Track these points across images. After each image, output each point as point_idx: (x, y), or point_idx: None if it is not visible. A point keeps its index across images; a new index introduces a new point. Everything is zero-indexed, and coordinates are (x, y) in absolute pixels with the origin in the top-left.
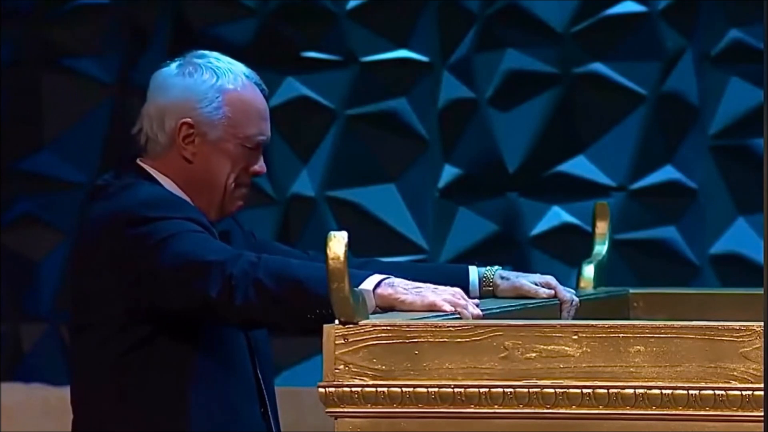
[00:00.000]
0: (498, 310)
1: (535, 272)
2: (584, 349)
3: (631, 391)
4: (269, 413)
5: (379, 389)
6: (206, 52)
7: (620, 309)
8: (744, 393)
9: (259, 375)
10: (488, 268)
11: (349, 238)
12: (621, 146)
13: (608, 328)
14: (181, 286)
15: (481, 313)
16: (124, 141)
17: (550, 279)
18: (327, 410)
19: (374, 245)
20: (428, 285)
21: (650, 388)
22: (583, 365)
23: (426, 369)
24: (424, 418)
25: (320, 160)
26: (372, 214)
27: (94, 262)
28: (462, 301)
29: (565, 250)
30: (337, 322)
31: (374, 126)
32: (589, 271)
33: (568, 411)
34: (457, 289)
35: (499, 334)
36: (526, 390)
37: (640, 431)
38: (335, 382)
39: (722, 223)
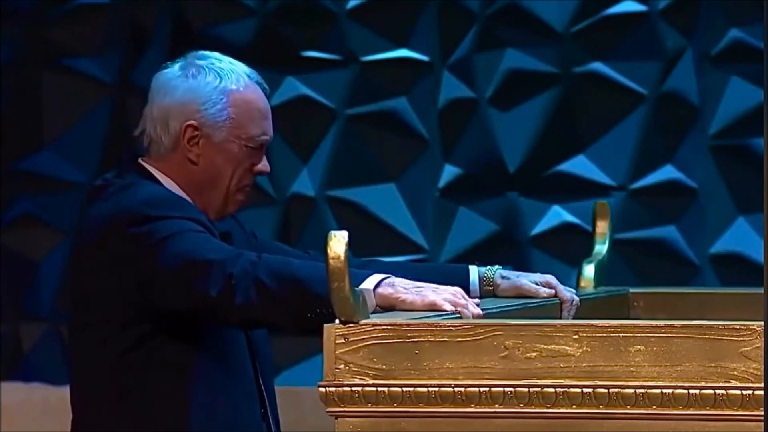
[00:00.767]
0: (498, 310)
1: (535, 272)
2: (584, 348)
3: (632, 390)
4: (269, 413)
5: (379, 389)
6: (207, 52)
7: (620, 308)
8: (744, 392)
9: (259, 375)
10: (488, 267)
11: (349, 237)
12: (621, 146)
13: (608, 327)
14: (181, 285)
15: (481, 312)
16: (124, 141)
17: (551, 278)
18: (327, 410)
19: (374, 245)
20: (428, 284)
21: (650, 387)
22: (584, 365)
23: (426, 368)
24: (424, 417)
25: (320, 159)
26: (372, 214)
27: (95, 262)
28: (462, 301)
29: (565, 250)
30: (337, 321)
31: (374, 126)
32: (589, 270)
33: (568, 410)
34: (458, 289)
35: (500, 334)
36: (526, 389)
37: (640, 431)
38: (335, 382)
39: (722, 223)
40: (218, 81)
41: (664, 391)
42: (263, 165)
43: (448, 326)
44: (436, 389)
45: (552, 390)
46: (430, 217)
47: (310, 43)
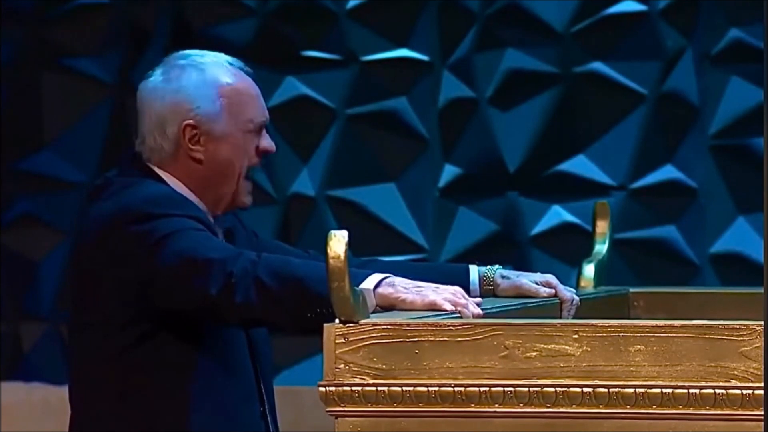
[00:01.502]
0: (498, 310)
1: (535, 271)
2: (584, 348)
3: (632, 390)
4: (267, 413)
5: (379, 388)
6: (186, 51)
7: (620, 308)
8: (744, 392)
9: (259, 374)
10: (489, 267)
11: (349, 237)
12: (621, 146)
13: (608, 327)
14: (181, 284)
15: (481, 312)
16: (124, 141)
17: (551, 278)
18: (327, 409)
19: (374, 245)
20: (428, 284)
21: (650, 387)
22: (584, 364)
23: (426, 368)
24: (424, 417)
25: (320, 159)
26: (372, 214)
27: (95, 260)
28: (462, 300)
29: (565, 250)
30: (337, 321)
31: (374, 126)
32: (589, 270)
33: (568, 410)
34: (458, 288)
35: (500, 334)
36: (526, 389)
37: (640, 430)
38: (335, 382)
39: (722, 223)
40: (203, 75)
41: (664, 390)
42: (268, 144)
43: (448, 326)
44: (436, 389)
45: (552, 390)
46: (430, 217)
47: (310, 43)
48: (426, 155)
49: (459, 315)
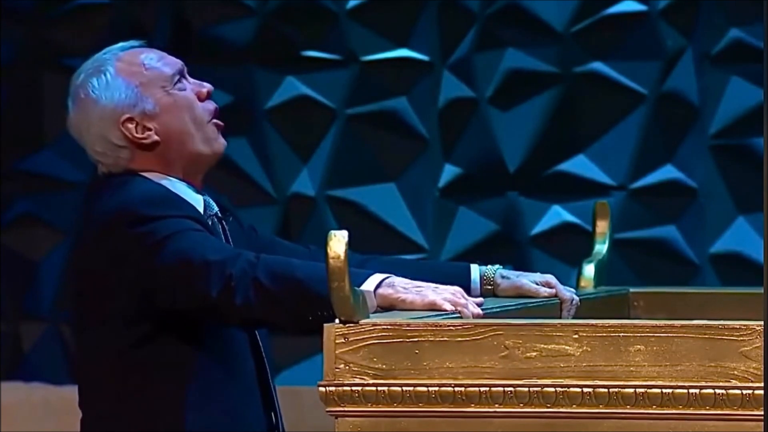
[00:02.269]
0: (498, 310)
1: (535, 271)
2: (584, 348)
3: (632, 390)
4: (271, 411)
5: (379, 388)
6: (78, 69)
7: (620, 308)
8: (744, 392)
9: (261, 374)
10: (489, 267)
11: (349, 237)
12: (621, 146)
13: (608, 327)
14: (181, 286)
15: (481, 312)
16: None
17: (551, 278)
18: (327, 409)
19: (374, 245)
20: (428, 284)
21: (650, 387)
22: (584, 364)
23: (426, 368)
24: (424, 417)
25: (320, 159)
26: (372, 214)
27: (94, 262)
28: (462, 300)
29: (565, 250)
30: (337, 321)
31: (374, 126)
32: (589, 270)
33: (568, 410)
34: (458, 288)
35: (500, 334)
36: (526, 389)
37: (640, 430)
38: (335, 382)
39: (722, 223)
40: (103, 75)
41: (664, 390)
42: (203, 87)
43: (448, 326)
44: (436, 389)
45: (552, 390)
46: (430, 217)
47: (310, 43)
48: (426, 155)
49: (459, 315)
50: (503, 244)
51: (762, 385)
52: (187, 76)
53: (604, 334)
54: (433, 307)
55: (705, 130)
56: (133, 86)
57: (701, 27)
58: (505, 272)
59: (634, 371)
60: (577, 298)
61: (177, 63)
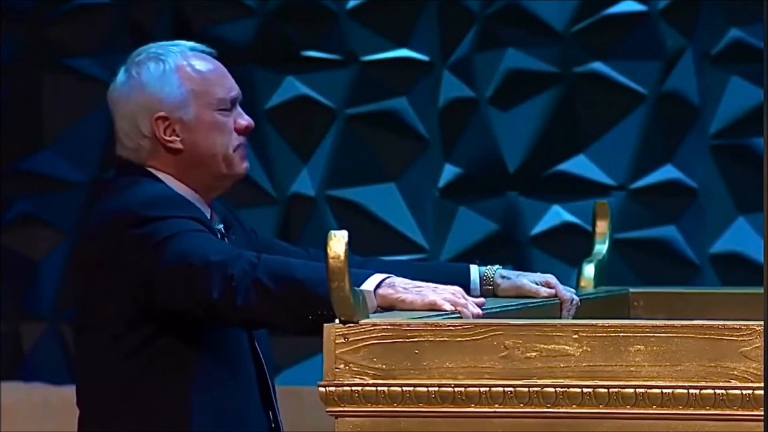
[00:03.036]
0: (498, 310)
1: (535, 271)
2: (584, 348)
3: (632, 390)
4: (270, 412)
5: (379, 388)
6: (144, 47)
7: (620, 308)
8: (744, 392)
9: (262, 375)
10: (489, 267)
11: (349, 237)
12: (621, 146)
13: (608, 327)
14: (181, 286)
15: (481, 312)
16: None
17: (551, 278)
18: (327, 409)
19: (374, 245)
20: (428, 284)
21: (650, 387)
22: (584, 364)
23: (426, 368)
24: (424, 417)
25: (320, 159)
26: (372, 214)
27: (96, 263)
28: (462, 300)
29: (565, 250)
30: (337, 321)
31: (374, 125)
32: (589, 270)
33: (568, 410)
34: (458, 288)
35: (500, 334)
36: (526, 389)
37: (640, 431)
38: (335, 382)
39: (722, 223)
40: (162, 65)
41: (664, 391)
42: (245, 121)
43: (448, 326)
44: (436, 389)
45: (552, 390)
46: (430, 216)
47: (310, 43)
48: (426, 155)
49: (459, 315)
50: (503, 244)
51: (762, 385)
52: (238, 105)
53: (604, 334)
54: (433, 307)
55: (705, 130)
56: (184, 90)
57: (701, 27)
58: (505, 272)
59: (634, 371)
60: (577, 298)
61: (234, 89)
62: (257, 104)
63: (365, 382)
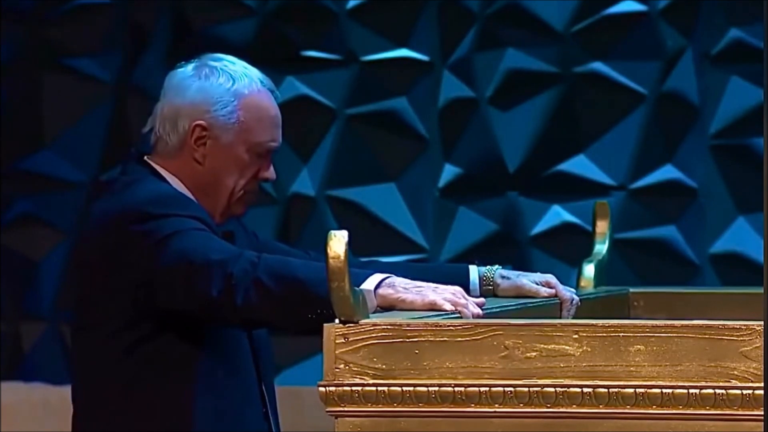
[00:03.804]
0: (498, 310)
1: (535, 271)
2: (584, 348)
3: (632, 390)
4: (269, 413)
5: (379, 388)
6: (222, 55)
7: (620, 308)
8: (744, 392)
9: (261, 375)
10: (489, 267)
11: (349, 237)
12: (621, 145)
13: (608, 327)
14: (181, 285)
15: (481, 312)
16: (124, 141)
17: (551, 278)
18: (327, 409)
19: (374, 245)
20: (428, 284)
21: (650, 387)
22: (584, 364)
23: (426, 368)
24: (424, 417)
25: (320, 159)
26: (372, 214)
27: (96, 260)
28: (462, 300)
29: (565, 250)
30: (337, 321)
31: (374, 125)
32: (589, 270)
33: (568, 410)
34: (458, 288)
35: (500, 334)
36: (526, 389)
37: (640, 430)
38: (335, 382)
39: (722, 223)
40: (231, 83)
41: (664, 391)
42: (269, 172)
43: (448, 326)
44: (436, 389)
45: (552, 390)
46: (430, 217)
47: (311, 43)
48: (426, 155)
49: (459, 315)
50: (503, 244)
51: (762, 385)
52: (271, 155)
53: (604, 334)
54: (433, 307)
55: (705, 130)
56: (237, 116)
57: (701, 27)
58: (505, 272)
59: (634, 371)
60: (577, 298)
61: (276, 141)
62: None
63: (365, 382)
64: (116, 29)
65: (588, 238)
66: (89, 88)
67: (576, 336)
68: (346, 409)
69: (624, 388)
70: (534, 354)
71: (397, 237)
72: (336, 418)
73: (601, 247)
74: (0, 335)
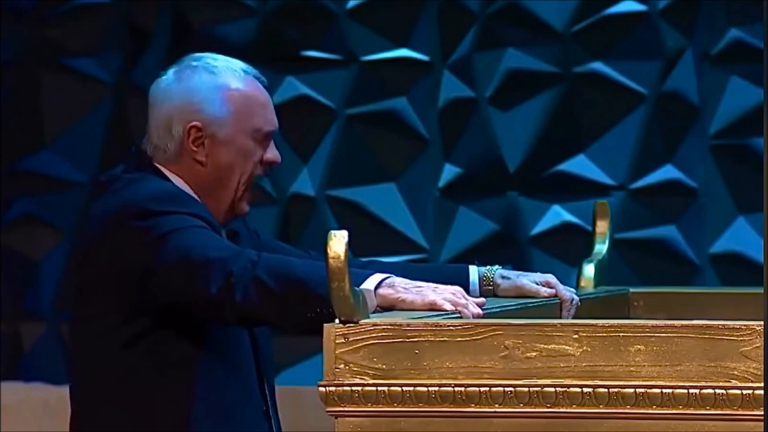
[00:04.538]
0: (498, 310)
1: (535, 271)
2: (584, 348)
3: (632, 390)
4: (270, 411)
5: (379, 388)
6: (201, 54)
7: (620, 308)
8: (744, 392)
9: (262, 373)
10: (489, 267)
11: (349, 237)
12: (621, 145)
13: (609, 327)
14: (181, 282)
15: (481, 312)
16: (124, 141)
17: (551, 278)
18: (327, 409)
19: (374, 245)
20: (428, 284)
21: (650, 387)
22: (584, 364)
23: (426, 368)
24: (424, 417)
25: (320, 159)
26: (372, 214)
27: (97, 255)
28: (462, 300)
29: (565, 250)
30: (337, 321)
31: (374, 125)
32: (589, 270)
33: (568, 410)
34: (458, 288)
35: (500, 334)
36: (526, 389)
37: (640, 430)
38: (336, 382)
39: (722, 223)
40: (214, 79)
41: (664, 391)
42: (274, 155)
43: (448, 326)
44: (436, 389)
45: (552, 390)
46: (430, 216)
47: (310, 43)
48: (426, 155)
49: (459, 315)
50: (503, 244)
51: (762, 385)
52: (272, 139)
53: (604, 334)
54: (433, 307)
55: (705, 130)
56: (227, 109)
57: (701, 27)
58: (505, 272)
59: (634, 371)
60: (577, 298)
61: (274, 123)
62: None
63: (365, 382)
64: (116, 29)
65: (588, 238)
66: (89, 88)
67: (576, 336)
68: (346, 409)
69: (624, 388)
70: (534, 354)
71: (397, 237)
72: (336, 418)
73: (601, 247)
74: (0, 335)
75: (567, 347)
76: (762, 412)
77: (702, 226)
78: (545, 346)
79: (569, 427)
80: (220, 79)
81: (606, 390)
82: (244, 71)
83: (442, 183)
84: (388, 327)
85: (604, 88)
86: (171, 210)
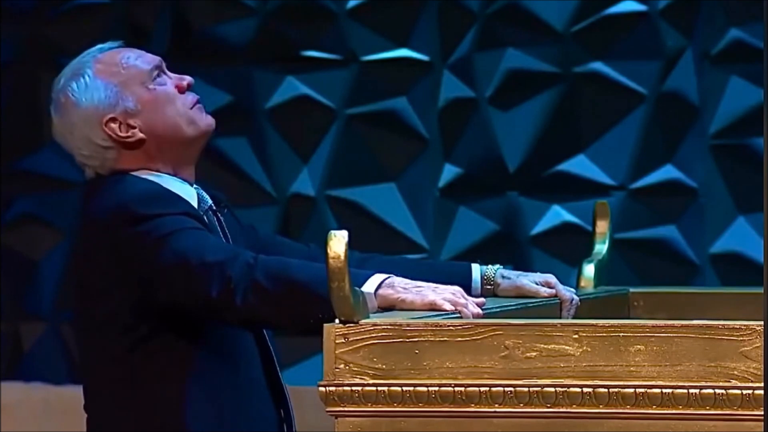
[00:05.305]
0: (498, 310)
1: (535, 271)
2: (585, 348)
3: (632, 390)
4: (284, 408)
5: (379, 388)
6: (59, 75)
7: (620, 308)
8: (744, 392)
9: (268, 372)
10: (490, 267)
11: (349, 237)
12: (621, 145)
13: (609, 327)
14: (180, 286)
15: (481, 312)
16: None
17: (551, 278)
18: (327, 409)
19: (375, 244)
20: (428, 284)
21: (650, 387)
22: (584, 364)
23: (426, 368)
24: (424, 417)
25: (320, 159)
26: (372, 214)
27: (94, 261)
28: (462, 300)
29: (565, 250)
30: (337, 321)
31: (374, 125)
32: (589, 270)
33: (568, 410)
34: (458, 288)
35: (500, 334)
36: (526, 389)
37: (640, 430)
38: (336, 382)
39: (722, 223)
40: (82, 78)
41: (664, 391)
42: (182, 79)
43: (448, 326)
44: (436, 389)
45: (552, 390)
46: (431, 216)
47: (310, 43)
48: (426, 155)
49: (459, 315)
50: (503, 244)
51: (762, 385)
52: (167, 71)
53: (604, 334)
54: (433, 307)
55: (705, 130)
56: (113, 86)
57: (701, 27)
58: (506, 272)
59: (634, 371)
60: (577, 298)
61: (155, 59)
62: (257, 104)
63: (365, 382)
64: (116, 29)
65: (588, 238)
66: None
67: (576, 336)
68: (346, 409)
69: (624, 388)
70: (534, 354)
71: (397, 237)
72: (336, 418)
73: (601, 247)
74: (0, 335)
75: (567, 347)
76: (762, 412)
77: (702, 226)
78: (545, 346)
79: (569, 427)
80: (88, 73)
81: (606, 390)
82: (99, 51)
83: (442, 183)
84: (388, 327)
85: (604, 88)
86: (163, 212)
